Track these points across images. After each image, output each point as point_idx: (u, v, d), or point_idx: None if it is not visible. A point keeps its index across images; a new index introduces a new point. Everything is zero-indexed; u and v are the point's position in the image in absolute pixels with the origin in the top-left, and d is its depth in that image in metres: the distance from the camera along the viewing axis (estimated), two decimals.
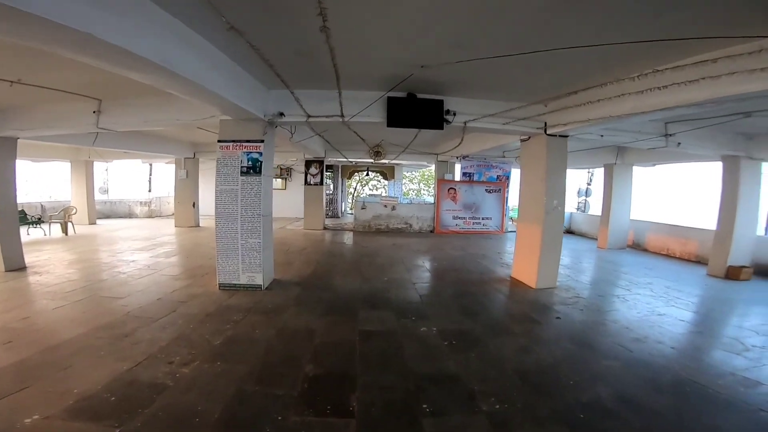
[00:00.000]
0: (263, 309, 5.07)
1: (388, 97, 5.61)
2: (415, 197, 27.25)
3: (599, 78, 4.56)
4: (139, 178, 18.77)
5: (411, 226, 13.35)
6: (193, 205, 13.60)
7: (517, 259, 7.10)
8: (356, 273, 7.21)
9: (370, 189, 29.77)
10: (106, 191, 17.52)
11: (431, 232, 13.38)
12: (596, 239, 11.95)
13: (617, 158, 10.99)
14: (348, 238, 11.70)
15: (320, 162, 13.14)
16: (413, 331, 4.51)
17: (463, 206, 13.55)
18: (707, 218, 10.25)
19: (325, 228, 13.39)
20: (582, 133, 6.13)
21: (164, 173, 18.97)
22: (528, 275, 6.56)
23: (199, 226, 13.83)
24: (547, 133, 6.04)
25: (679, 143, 6.94)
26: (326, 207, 17.62)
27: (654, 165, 11.41)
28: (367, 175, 21.92)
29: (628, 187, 11.40)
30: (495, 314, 5.30)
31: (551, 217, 6.25)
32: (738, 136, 7.60)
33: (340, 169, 18.27)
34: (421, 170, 29.10)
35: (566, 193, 6.43)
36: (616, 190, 11.24)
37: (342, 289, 6.21)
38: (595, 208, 15.45)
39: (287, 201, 16.46)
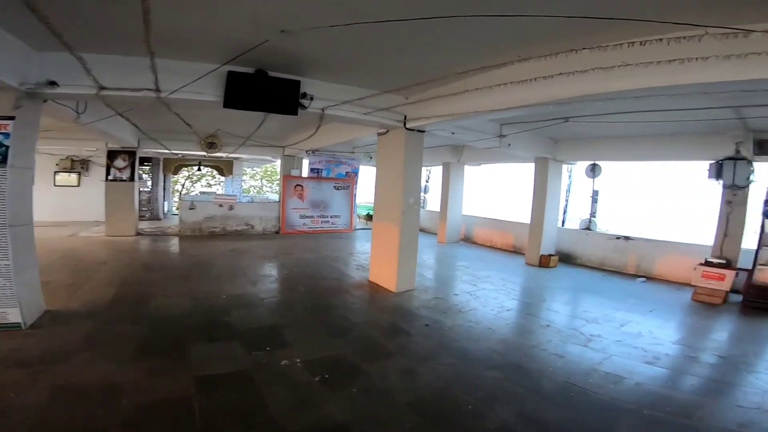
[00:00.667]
0: (25, 359, 3.29)
1: (230, 72, 4.40)
2: (257, 195, 25.04)
3: (470, 64, 4.22)
4: None
5: (253, 227, 11.80)
6: None
7: (374, 262, 6.65)
8: (183, 292, 5.59)
9: (203, 186, 26.12)
10: None
11: (277, 233, 12.11)
12: (436, 234, 12.72)
13: (454, 157, 11.84)
14: (172, 245, 9.48)
15: (130, 153, 10.35)
16: (272, 367, 3.49)
17: (310, 204, 12.70)
18: (521, 213, 12.04)
19: (138, 233, 10.66)
20: (438, 129, 6.01)
21: None
22: (387, 279, 6.16)
23: None
24: (407, 126, 5.69)
25: (509, 144, 7.59)
26: (142, 207, 14.37)
27: (480, 164, 12.76)
28: (199, 170, 18.87)
29: (462, 185, 12.46)
30: (364, 329, 4.64)
31: (408, 216, 5.96)
32: (548, 141, 8.87)
33: (161, 163, 15.10)
34: (264, 166, 27.03)
35: (421, 190, 6.24)
36: (452, 187, 12.13)
37: (163, 316, 4.62)
38: (432, 204, 16.72)
39: (83, 200, 12.71)
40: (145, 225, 12.57)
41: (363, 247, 10.56)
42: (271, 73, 4.61)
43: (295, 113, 4.74)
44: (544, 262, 9.08)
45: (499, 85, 4.20)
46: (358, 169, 13.96)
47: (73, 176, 13.20)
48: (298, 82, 4.72)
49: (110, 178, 10.17)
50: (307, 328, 4.55)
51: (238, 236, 11.13)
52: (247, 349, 3.85)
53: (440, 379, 3.49)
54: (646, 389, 3.41)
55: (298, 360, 3.65)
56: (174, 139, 10.64)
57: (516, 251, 10.99)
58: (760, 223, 6.43)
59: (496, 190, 16.99)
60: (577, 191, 10.48)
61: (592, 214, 9.96)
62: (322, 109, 5.05)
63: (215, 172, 23.77)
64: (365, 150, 12.94)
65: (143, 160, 13.87)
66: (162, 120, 8.61)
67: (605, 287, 7.33)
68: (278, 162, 16.65)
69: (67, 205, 13.00)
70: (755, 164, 6.73)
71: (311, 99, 4.87)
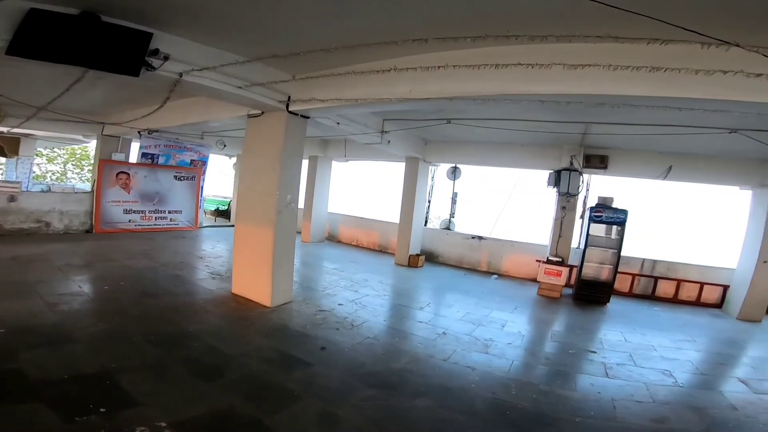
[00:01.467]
0: None
1: (33, 10, 2.80)
2: (55, 183, 19.21)
3: (378, 36, 3.47)
4: None
5: (49, 225, 8.65)
6: None
7: (238, 270, 5.38)
8: None
9: None
10: None
11: (88, 231, 9.20)
12: (299, 233, 11.70)
13: (321, 150, 11.04)
14: None
15: None
16: None
17: (140, 196, 10.10)
18: (384, 212, 12.03)
19: None
20: (322, 117, 5.14)
21: None
22: (259, 291, 5.01)
23: None
24: (290, 110, 4.64)
25: (389, 141, 7.23)
26: None
27: (347, 160, 12.28)
28: None
29: (328, 181, 11.76)
30: (245, 364, 3.51)
31: (284, 217, 4.94)
32: (420, 141, 8.90)
33: None
34: (69, 147, 21.15)
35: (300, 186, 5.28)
36: (318, 183, 11.32)
37: None
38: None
39: None
40: None
41: (215, 248, 8.85)
42: (107, 19, 3.07)
43: (135, 74, 3.25)
44: (413, 262, 9.11)
45: (407, 69, 3.64)
46: (207, 157, 11.80)
47: None
48: (150, 35, 3.26)
49: None
50: (159, 370, 3.18)
51: (24, 237, 7.95)
52: (65, 414, 2.41)
53: (369, 420, 2.79)
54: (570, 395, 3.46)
55: (163, 424, 2.39)
56: None
57: (382, 250, 10.89)
58: (586, 226, 7.58)
59: (359, 188, 16.88)
60: (438, 192, 10.97)
61: (452, 215, 10.54)
62: (180, 74, 3.62)
63: None
64: (218, 136, 11.04)
65: None
66: None
67: (470, 285, 7.73)
68: (94, 142, 13.01)
69: None
70: (584, 175, 7.96)
71: (165, 59, 3.42)
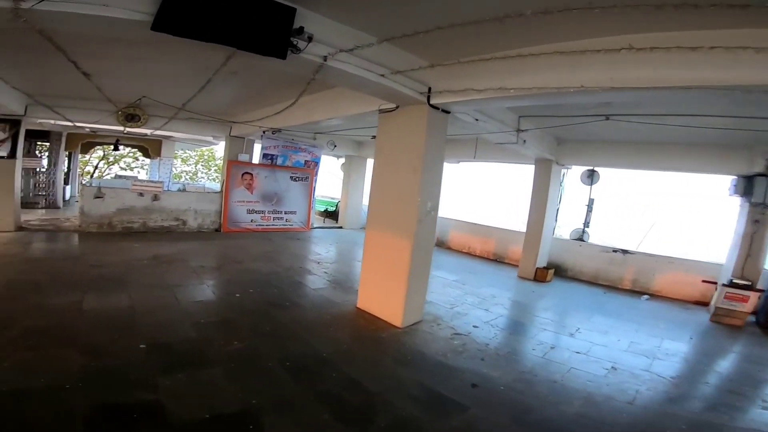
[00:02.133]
0: None
1: None
2: (189, 182, 21.67)
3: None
4: None
5: (185, 223, 9.36)
6: None
7: (366, 283, 4.91)
8: (64, 338, 3.38)
9: (122, 168, 22.14)
10: None
11: (217, 230, 9.79)
12: None
13: None
14: (67, 247, 6.89)
15: (12, 122, 7.49)
16: None
17: (261, 197, 10.51)
18: (498, 217, 10.96)
19: (21, 228, 7.82)
20: (464, 111, 4.41)
21: None
22: (388, 309, 4.47)
23: None
24: (431, 103, 4.00)
25: (525, 141, 6.23)
26: (38, 193, 11.18)
27: (459, 162, 11.42)
28: (116, 149, 15.38)
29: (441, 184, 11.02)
30: (392, 406, 2.95)
31: (424, 227, 4.31)
32: (553, 141, 7.69)
33: (64, 138, 11.78)
34: (200, 149, 23.59)
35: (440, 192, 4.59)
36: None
37: (12, 393, 2.49)
38: None
39: None
40: (36, 216, 9.55)
41: (329, 252, 8.72)
42: None
43: (282, 56, 2.85)
44: (540, 275, 7.94)
45: (579, 52, 2.73)
46: (319, 158, 11.96)
47: None
48: (293, 10, 2.84)
49: None
50: (301, 410, 2.77)
51: (164, 235, 8.67)
52: None
53: None
54: None
55: None
56: (78, 108, 7.91)
57: (498, 260, 9.84)
58: None
59: (471, 191, 15.92)
60: (569, 198, 9.53)
61: (586, 224, 9.04)
62: (324, 58, 3.18)
63: (138, 152, 20.12)
64: (329, 136, 11.06)
65: (38, 135, 10.68)
66: (58, 79, 6.13)
67: (617, 307, 6.50)
68: (220, 144, 14.10)
69: None
70: None
71: (309, 39, 2.99)
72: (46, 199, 11.19)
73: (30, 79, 6.36)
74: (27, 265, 5.49)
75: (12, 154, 7.52)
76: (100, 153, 21.34)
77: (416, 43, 3.37)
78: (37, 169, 11.05)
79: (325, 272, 6.86)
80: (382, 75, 3.54)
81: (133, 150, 19.67)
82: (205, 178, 25.47)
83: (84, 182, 9.14)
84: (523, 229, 8.45)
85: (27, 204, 9.97)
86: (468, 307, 5.59)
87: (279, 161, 10.93)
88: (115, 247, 7.01)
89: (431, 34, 3.07)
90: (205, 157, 26.78)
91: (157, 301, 4.52)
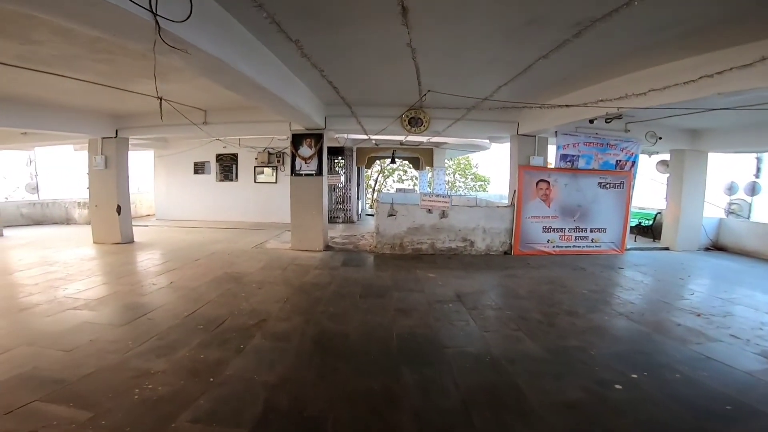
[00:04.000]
0: None
1: None
2: (453, 193, 21.37)
3: None
4: (76, 172, 13.72)
5: (473, 244, 7.86)
6: (118, 211, 8.48)
7: None
8: None
9: (394, 181, 24.18)
10: (34, 189, 12.63)
11: (506, 253, 7.90)
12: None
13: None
14: (368, 273, 6.33)
15: (317, 137, 7.74)
16: None
17: (561, 210, 7.99)
18: None
19: (327, 248, 8.07)
20: None
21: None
22: None
23: (132, 241, 8.75)
24: None
25: None
26: (337, 206, 12.36)
27: None
28: (393, 161, 16.20)
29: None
30: None
31: None
32: None
33: (354, 154, 12.83)
34: (463, 156, 23.11)
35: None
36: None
37: None
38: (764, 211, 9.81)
39: (280, 199, 11.10)
40: (337, 232, 10.25)
41: (696, 294, 5.30)
42: None
43: None
44: None
45: None
46: (636, 156, 8.47)
47: (270, 171, 12.03)
48: None
49: (297, 170, 7.77)
50: None
51: (452, 259, 7.37)
52: None
53: None
54: None
55: None
56: (369, 115, 7.58)
57: None
58: None
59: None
60: None
61: None
62: None
63: (408, 164, 21.28)
64: (647, 125, 7.56)
65: (333, 152, 11.75)
66: (357, 82, 5.53)
67: None
68: (490, 148, 12.52)
69: (267, 203, 11.90)
70: None
71: None
72: (344, 214, 12.28)
73: (336, 83, 5.99)
74: (337, 301, 4.84)
75: (319, 171, 7.76)
76: (377, 167, 23.98)
77: None
78: (337, 185, 12.19)
79: (733, 336, 3.68)
80: None
81: (404, 162, 20.97)
82: (462, 187, 25.09)
83: (379, 198, 8.99)
84: None
85: (329, 219, 10.93)
86: None
87: (581, 164, 8.14)
88: (412, 276, 5.98)
89: None
90: (461, 166, 26.54)
91: (499, 395, 2.66)
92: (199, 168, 12.39)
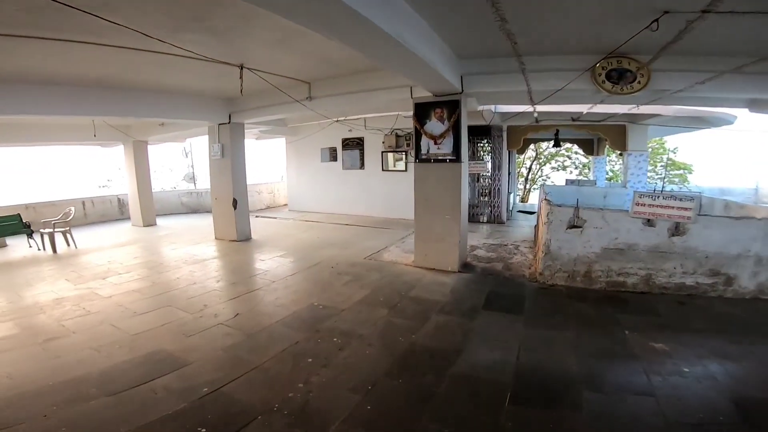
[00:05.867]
0: None
1: None
2: (685, 191, 15.75)
3: None
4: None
5: (731, 281, 4.28)
6: (234, 205, 7.62)
7: None
8: None
9: (554, 169, 19.80)
10: (192, 179, 13.52)
11: None
12: None
13: None
14: (522, 328, 3.65)
15: (451, 107, 5.20)
16: None
17: None
18: None
19: (465, 267, 5.56)
20: None
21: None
22: None
23: (249, 239, 7.89)
24: None
25: None
26: (482, 198, 9.72)
27: None
28: (557, 145, 12.40)
29: None
30: None
31: None
32: None
33: (505, 134, 9.76)
34: (681, 132, 17.20)
35: None
36: None
37: None
38: None
39: (409, 190, 9.05)
40: (479, 237, 7.63)
41: None
42: None
43: None
44: None
45: None
46: None
47: (397, 157, 10.02)
48: None
49: (423, 155, 5.45)
50: None
51: (689, 305, 4.04)
52: None
53: None
54: None
55: None
56: (537, 69, 4.71)
57: None
58: None
59: None
60: None
61: None
62: None
63: (576, 148, 16.72)
64: None
65: (475, 131, 8.99)
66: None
67: None
68: (734, 121, 8.03)
69: (395, 196, 9.98)
70: None
71: None
72: (491, 211, 9.51)
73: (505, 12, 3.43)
74: (451, 416, 2.40)
75: (455, 155, 5.25)
76: (531, 153, 19.90)
77: None
78: (481, 174, 9.47)
79: None
80: None
81: (572, 146, 16.50)
82: (655, 177, 18.84)
83: (548, 197, 5.84)
84: None
85: (470, 217, 8.35)
86: None
87: None
88: (617, 345, 3.07)
89: None
90: (650, 150, 20.01)
91: None
92: (325, 155, 11.25)
